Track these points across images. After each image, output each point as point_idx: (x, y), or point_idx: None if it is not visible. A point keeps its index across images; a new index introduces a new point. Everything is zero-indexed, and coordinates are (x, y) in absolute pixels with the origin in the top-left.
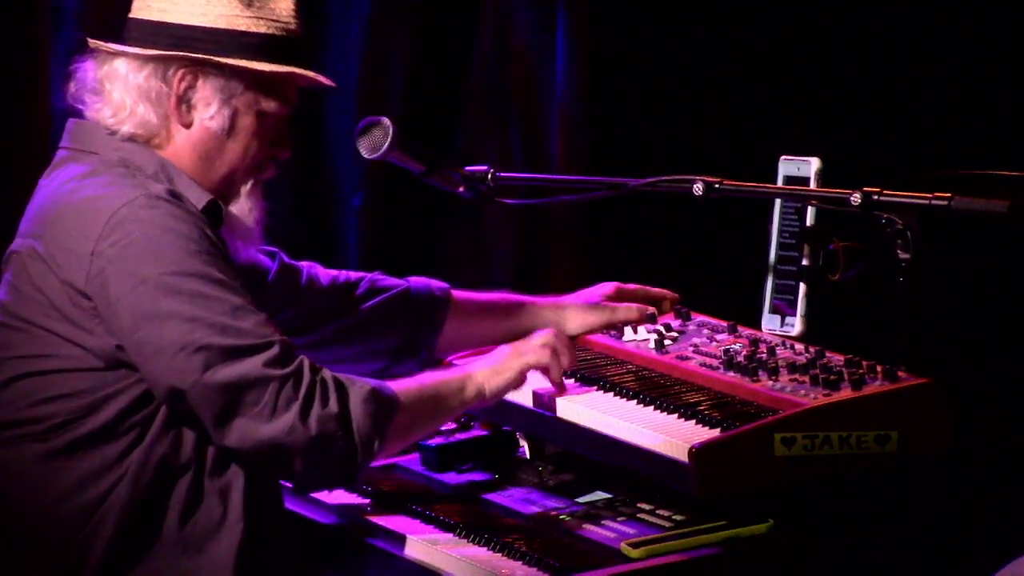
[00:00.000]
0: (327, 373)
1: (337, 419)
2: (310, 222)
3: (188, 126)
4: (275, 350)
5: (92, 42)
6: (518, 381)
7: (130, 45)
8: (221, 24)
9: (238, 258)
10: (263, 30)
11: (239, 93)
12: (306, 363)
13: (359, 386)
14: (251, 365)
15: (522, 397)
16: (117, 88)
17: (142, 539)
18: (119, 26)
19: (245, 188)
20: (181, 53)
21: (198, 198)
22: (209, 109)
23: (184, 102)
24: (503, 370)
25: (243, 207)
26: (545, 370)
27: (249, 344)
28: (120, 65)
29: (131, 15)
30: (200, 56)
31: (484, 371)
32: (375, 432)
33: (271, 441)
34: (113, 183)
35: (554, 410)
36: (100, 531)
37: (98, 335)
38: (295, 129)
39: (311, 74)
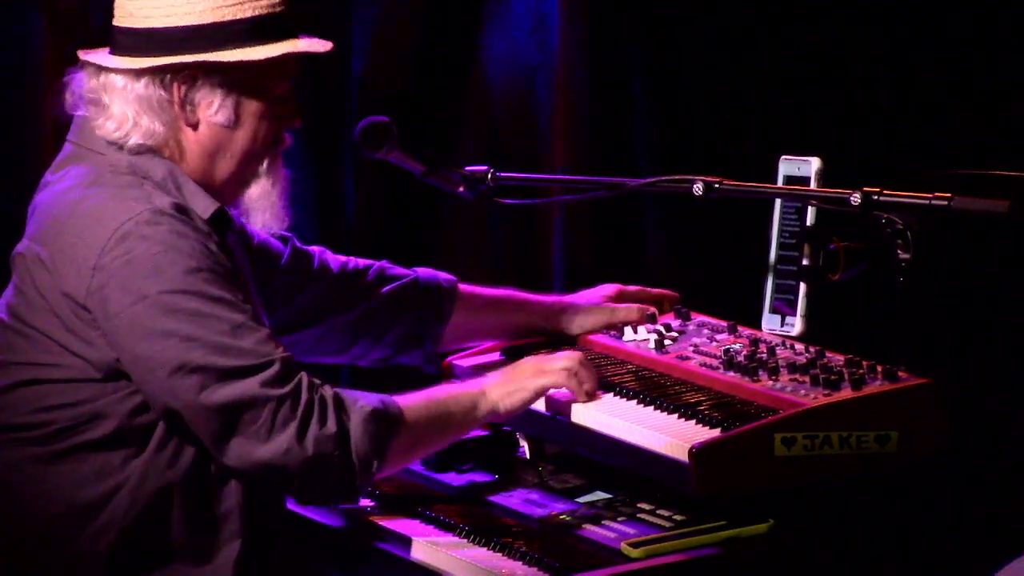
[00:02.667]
0: (328, 390)
1: (335, 439)
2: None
3: (195, 126)
4: (274, 369)
5: (83, 56)
6: (533, 400)
7: (122, 55)
8: (208, 19)
9: (250, 243)
10: (249, 14)
11: (239, 83)
12: (305, 381)
13: (361, 405)
14: (248, 385)
15: None
16: (116, 101)
17: (143, 548)
18: (106, 34)
19: (263, 168)
20: (176, 59)
21: (205, 207)
22: (212, 106)
23: (187, 103)
24: (519, 390)
25: (264, 185)
26: (559, 387)
27: (247, 364)
28: (116, 77)
29: (115, 23)
30: (196, 59)
31: (499, 389)
32: (374, 453)
33: (268, 462)
34: (119, 194)
35: (549, 409)
36: (102, 539)
37: (98, 347)
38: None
39: (305, 48)
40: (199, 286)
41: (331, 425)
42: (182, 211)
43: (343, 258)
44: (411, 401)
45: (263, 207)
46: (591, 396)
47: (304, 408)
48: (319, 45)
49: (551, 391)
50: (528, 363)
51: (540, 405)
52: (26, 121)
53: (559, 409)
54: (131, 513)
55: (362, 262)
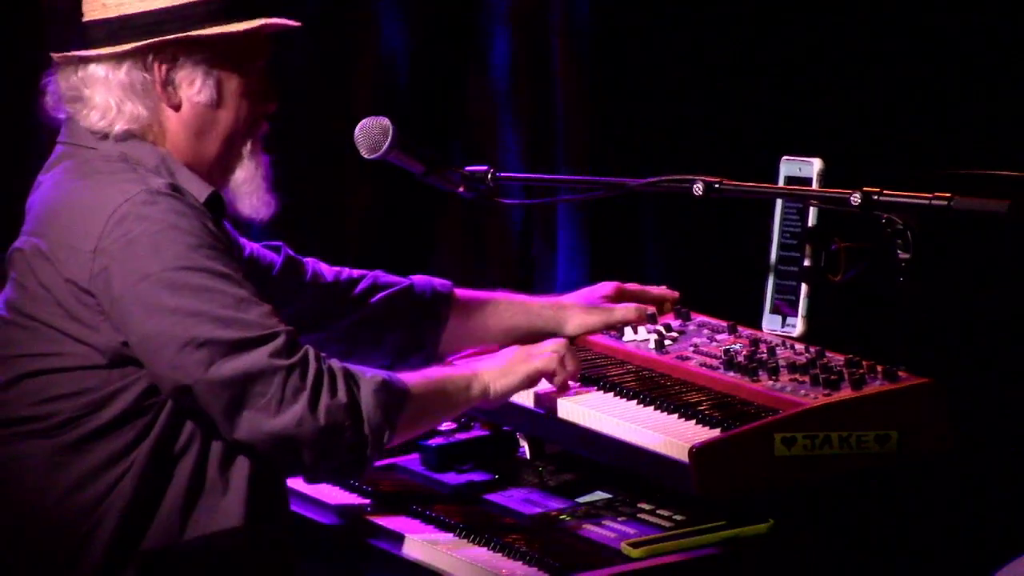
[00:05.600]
0: (335, 363)
1: (346, 409)
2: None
3: (177, 107)
4: (280, 340)
5: (58, 56)
6: (524, 384)
7: (99, 47)
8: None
9: (242, 254)
10: None
11: (218, 61)
12: (311, 352)
13: (370, 376)
14: (256, 357)
15: (523, 397)
16: (98, 91)
17: (145, 532)
18: (77, 33)
19: (246, 149)
20: (154, 40)
21: (199, 191)
22: (194, 85)
23: (169, 84)
24: (509, 372)
25: (248, 168)
26: (551, 376)
27: (254, 336)
28: (96, 68)
29: (87, 18)
30: (173, 37)
31: (491, 371)
32: (386, 423)
33: (281, 433)
34: (113, 179)
35: (555, 410)
36: (104, 523)
37: (103, 332)
38: (280, 86)
39: (280, 21)
40: (201, 262)
41: (342, 395)
42: (177, 191)
43: (336, 268)
44: (413, 377)
45: (249, 191)
46: (573, 378)
47: (314, 378)
48: (290, 23)
49: (543, 389)
50: (516, 349)
51: (538, 404)
52: (26, 121)
53: (559, 409)
54: (135, 498)
55: (356, 272)
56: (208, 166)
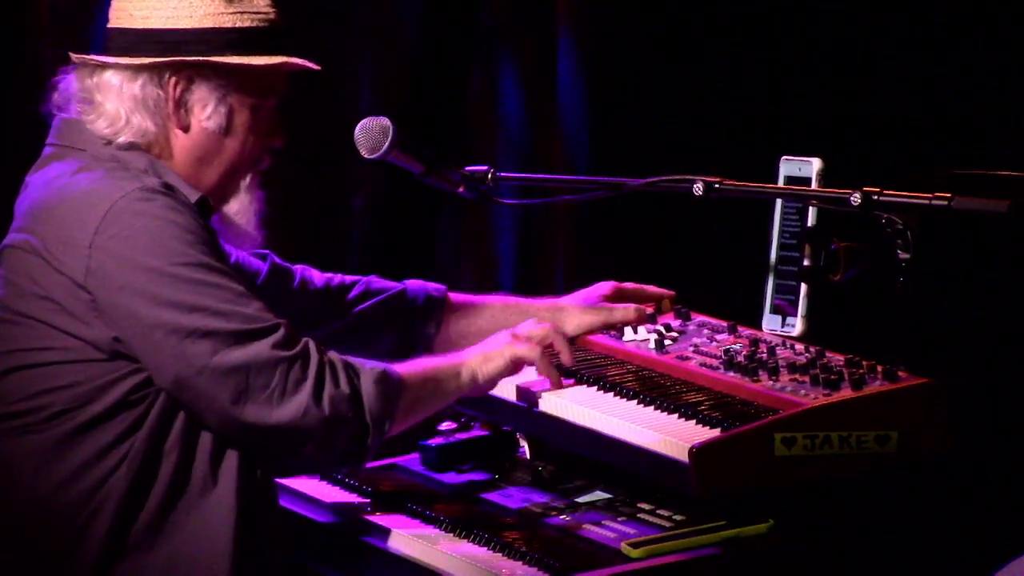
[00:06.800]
0: (334, 355)
1: (349, 400)
2: (309, 223)
3: (186, 129)
4: (281, 332)
5: (77, 56)
6: (509, 369)
7: (118, 55)
8: (208, 24)
9: (227, 261)
10: (248, 24)
11: (233, 90)
12: (312, 344)
13: (370, 367)
14: (259, 348)
15: (523, 398)
16: (110, 99)
17: (139, 526)
18: (99, 37)
19: (244, 182)
20: (175, 58)
21: (188, 195)
22: (206, 110)
23: (181, 105)
24: (494, 357)
25: (243, 201)
26: (532, 363)
27: (256, 328)
28: (111, 76)
29: (112, 25)
30: (194, 59)
31: (476, 358)
32: (386, 413)
33: (286, 424)
34: (107, 177)
35: (555, 410)
36: (98, 518)
37: (95, 327)
38: (289, 121)
39: (300, 61)
40: (199, 257)
41: (344, 386)
42: (170, 189)
43: (328, 275)
44: (404, 368)
45: (239, 224)
46: (569, 360)
47: (316, 369)
48: (310, 65)
49: (542, 387)
50: (502, 334)
51: (538, 405)
52: (22, 119)
53: (559, 409)
54: (128, 491)
55: (348, 278)
56: (205, 192)
